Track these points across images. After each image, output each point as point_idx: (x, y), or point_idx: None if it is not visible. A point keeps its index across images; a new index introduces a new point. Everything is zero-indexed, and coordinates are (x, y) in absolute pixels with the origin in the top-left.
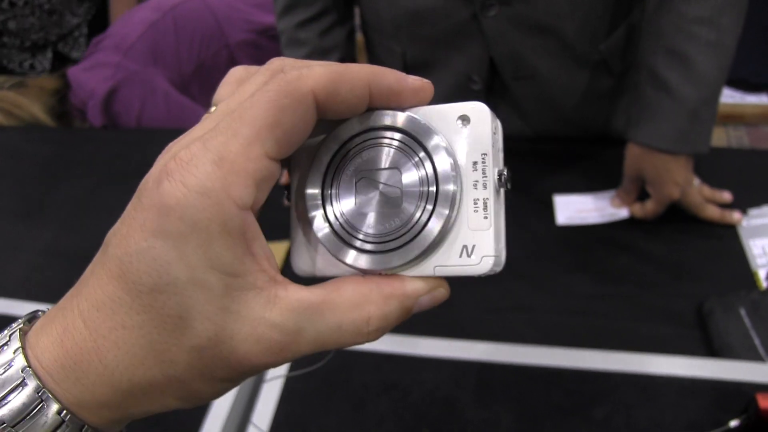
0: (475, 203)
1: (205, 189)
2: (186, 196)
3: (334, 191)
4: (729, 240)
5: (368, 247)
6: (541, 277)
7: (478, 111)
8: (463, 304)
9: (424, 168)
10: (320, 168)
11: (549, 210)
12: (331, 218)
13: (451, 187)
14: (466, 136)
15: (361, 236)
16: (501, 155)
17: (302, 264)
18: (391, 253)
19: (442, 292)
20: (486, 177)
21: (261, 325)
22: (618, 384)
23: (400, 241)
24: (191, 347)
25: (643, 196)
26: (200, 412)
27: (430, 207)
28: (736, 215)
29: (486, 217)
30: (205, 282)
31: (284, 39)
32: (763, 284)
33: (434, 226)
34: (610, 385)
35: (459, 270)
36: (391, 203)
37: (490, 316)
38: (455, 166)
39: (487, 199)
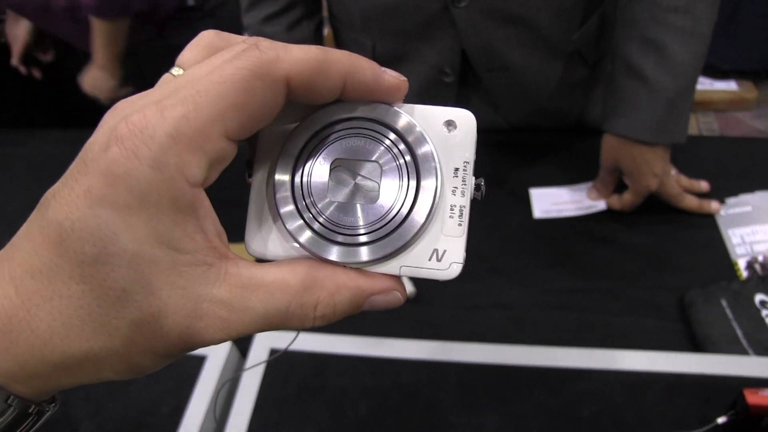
0: (452, 209)
1: (158, 163)
2: (137, 168)
3: (305, 178)
4: (708, 230)
5: (341, 239)
6: (520, 273)
7: (465, 118)
8: (441, 303)
9: (406, 165)
10: (293, 152)
11: (525, 203)
12: (303, 210)
13: (431, 188)
14: (450, 141)
15: (336, 229)
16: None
17: (256, 245)
18: (362, 247)
19: (398, 296)
20: (465, 185)
21: (206, 301)
22: (604, 382)
23: (373, 236)
24: (132, 321)
25: (620, 187)
26: (173, 423)
27: (408, 206)
28: (714, 205)
29: (460, 225)
30: (152, 256)
31: (250, 34)
32: (743, 274)
33: (411, 226)
34: (596, 383)
35: (426, 273)
36: (367, 197)
37: (468, 313)
38: (438, 168)
39: (464, 206)
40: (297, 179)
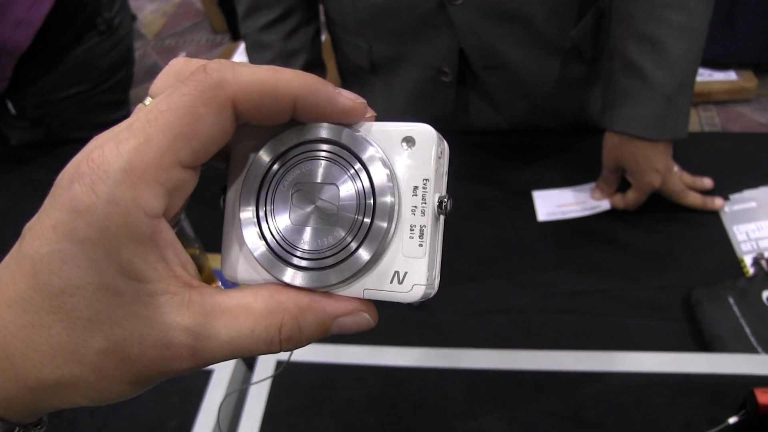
0: (412, 229)
1: (113, 197)
2: (95, 204)
3: (269, 207)
4: (712, 227)
5: (304, 263)
6: (523, 276)
7: (424, 133)
8: (444, 309)
9: (363, 188)
10: (254, 182)
11: (528, 206)
12: (266, 234)
13: (387, 209)
14: (408, 158)
15: (297, 253)
16: (444, 180)
17: (228, 270)
18: (327, 270)
19: (366, 318)
20: (425, 203)
21: (172, 330)
22: (611, 385)
23: (334, 259)
24: (99, 350)
25: (623, 187)
26: None
27: (365, 227)
28: (718, 201)
29: (421, 245)
30: (114, 287)
31: (248, 43)
32: (750, 271)
33: (367, 248)
34: (603, 387)
35: (388, 296)
36: (327, 219)
37: (472, 319)
38: (394, 187)
39: (424, 226)
40: (261, 204)
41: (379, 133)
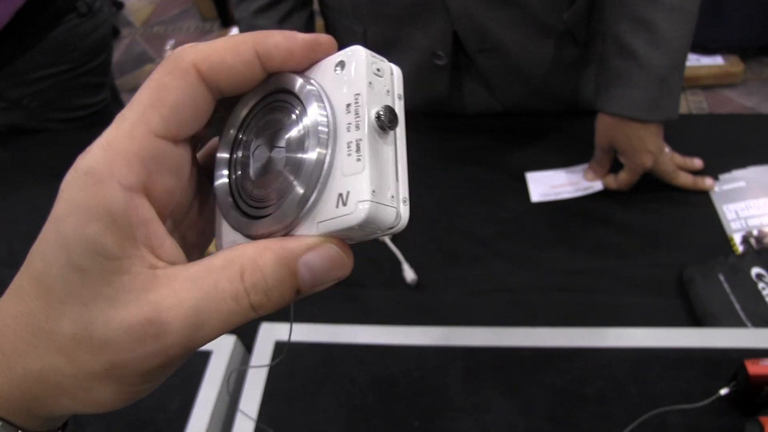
0: (348, 146)
1: (89, 169)
2: (74, 179)
3: (237, 171)
4: (703, 207)
5: (264, 213)
6: (520, 256)
7: (353, 53)
8: (443, 289)
9: (302, 122)
10: (225, 150)
11: (523, 187)
12: (236, 197)
13: (319, 136)
14: (340, 81)
15: (260, 206)
16: (395, 101)
17: (217, 240)
18: (278, 213)
19: (335, 250)
20: (359, 117)
21: (132, 310)
22: (607, 360)
23: (281, 201)
24: (71, 335)
25: (615, 167)
26: (181, 419)
27: (301, 161)
28: (708, 181)
29: (359, 160)
30: (80, 265)
31: (242, 27)
32: (739, 249)
33: (302, 181)
34: (600, 362)
35: (339, 222)
36: (278, 166)
37: (471, 298)
38: (327, 114)
39: (360, 140)
40: (232, 170)
41: (318, 69)
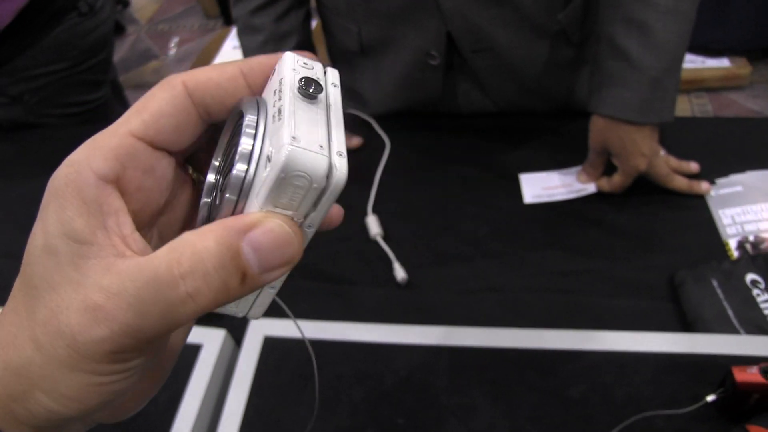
0: (273, 118)
1: (71, 161)
2: (59, 170)
3: (215, 194)
4: (698, 210)
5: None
6: (511, 256)
7: (282, 58)
8: (432, 287)
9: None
10: (211, 172)
11: (516, 187)
12: (211, 214)
13: (249, 126)
14: (272, 79)
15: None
16: (327, 85)
17: None
18: (223, 199)
19: (278, 224)
20: (282, 93)
21: (91, 293)
22: (594, 362)
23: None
24: (42, 321)
25: (610, 170)
26: (170, 411)
27: (236, 150)
28: (704, 185)
29: (280, 119)
30: (54, 248)
31: (239, 26)
32: (734, 254)
33: (239, 162)
34: (586, 364)
35: (269, 182)
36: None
37: (460, 298)
38: (257, 110)
39: (282, 105)
40: (215, 192)
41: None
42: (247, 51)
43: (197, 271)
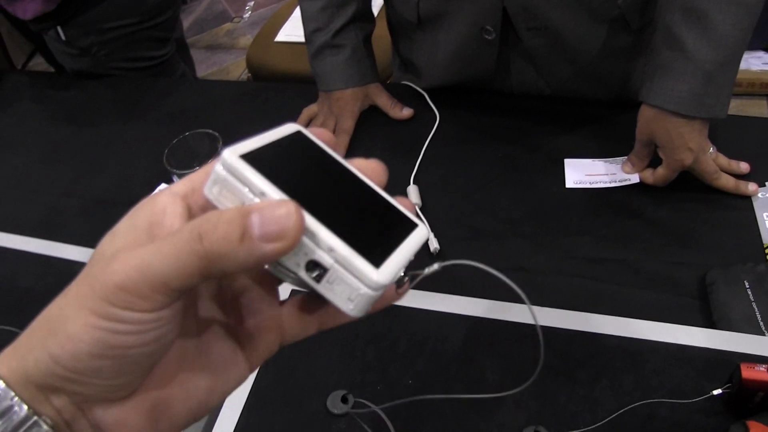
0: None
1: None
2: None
3: None
4: (742, 211)
5: None
6: (545, 239)
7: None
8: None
9: None
10: None
11: (558, 172)
12: None
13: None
14: None
15: None
16: None
17: None
18: None
19: (281, 205)
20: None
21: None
22: (606, 347)
23: None
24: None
25: (655, 162)
26: None
27: None
28: (752, 187)
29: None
30: (116, 232)
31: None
32: None
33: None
34: (599, 348)
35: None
36: None
37: (487, 273)
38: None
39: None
40: None
41: None
42: (306, 16)
43: (211, 218)
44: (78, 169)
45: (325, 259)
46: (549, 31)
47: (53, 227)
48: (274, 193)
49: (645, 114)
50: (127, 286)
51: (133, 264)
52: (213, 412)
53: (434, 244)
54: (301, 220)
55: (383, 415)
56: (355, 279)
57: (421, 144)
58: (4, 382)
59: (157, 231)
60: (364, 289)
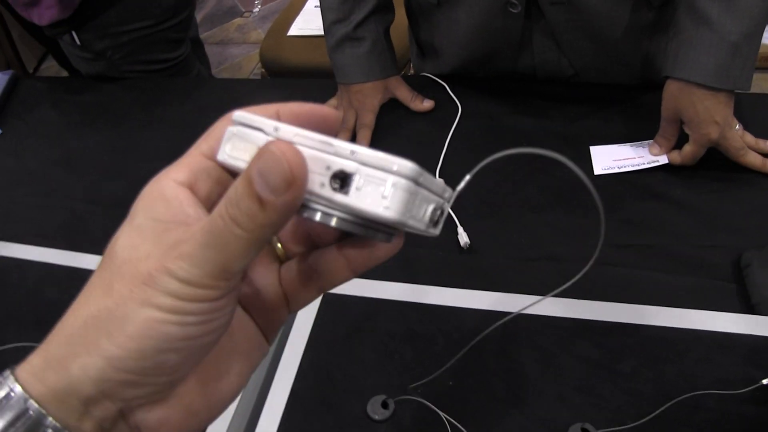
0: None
1: (156, 176)
2: (148, 184)
3: None
4: None
5: None
6: (572, 227)
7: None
8: (493, 254)
9: None
10: None
11: (585, 158)
12: None
13: None
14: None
15: None
16: None
17: None
18: None
19: (273, 145)
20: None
21: (170, 242)
22: (647, 337)
23: None
24: (118, 274)
25: (680, 144)
26: None
27: None
28: None
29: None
30: (140, 227)
31: None
32: None
33: None
34: (639, 339)
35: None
36: None
37: (519, 265)
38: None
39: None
40: None
41: None
42: (325, 6)
43: (231, 198)
44: (98, 174)
45: (348, 165)
46: (572, 6)
47: (74, 234)
48: (286, 126)
49: (670, 89)
50: (191, 280)
51: (189, 260)
52: (251, 423)
53: (464, 239)
54: (299, 153)
55: (437, 410)
56: (385, 173)
57: (444, 136)
58: (38, 402)
59: (186, 221)
60: (395, 178)
